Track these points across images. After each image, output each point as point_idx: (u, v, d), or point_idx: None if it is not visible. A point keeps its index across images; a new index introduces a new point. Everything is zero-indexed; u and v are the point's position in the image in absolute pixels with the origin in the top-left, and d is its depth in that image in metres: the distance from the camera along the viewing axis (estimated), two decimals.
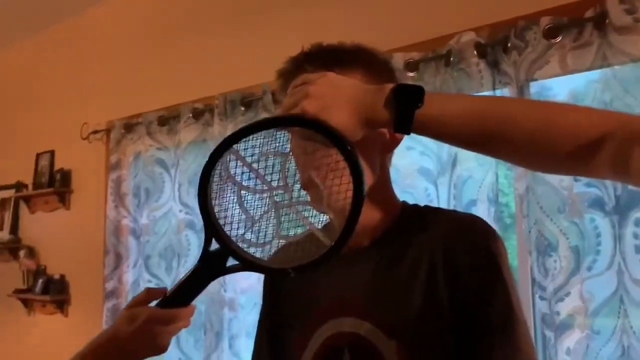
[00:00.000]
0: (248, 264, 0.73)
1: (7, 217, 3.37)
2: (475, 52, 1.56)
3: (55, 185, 3.03)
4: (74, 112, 3.01)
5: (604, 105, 1.40)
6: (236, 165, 0.73)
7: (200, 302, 2.24)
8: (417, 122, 0.67)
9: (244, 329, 2.10)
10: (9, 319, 3.30)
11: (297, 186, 0.74)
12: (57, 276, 2.99)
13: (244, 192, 0.74)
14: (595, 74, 1.43)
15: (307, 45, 0.87)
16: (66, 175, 3.02)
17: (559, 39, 1.45)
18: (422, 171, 1.68)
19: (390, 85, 0.69)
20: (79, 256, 2.91)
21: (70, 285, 2.98)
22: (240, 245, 0.74)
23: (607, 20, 1.37)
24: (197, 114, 2.28)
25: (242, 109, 2.14)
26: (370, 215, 0.81)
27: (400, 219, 0.84)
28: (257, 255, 0.74)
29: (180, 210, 2.31)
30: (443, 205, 1.59)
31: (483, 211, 1.52)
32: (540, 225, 1.45)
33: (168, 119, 2.40)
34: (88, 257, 2.80)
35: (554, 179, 1.45)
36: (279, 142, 0.73)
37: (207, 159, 0.72)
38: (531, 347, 0.75)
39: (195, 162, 2.32)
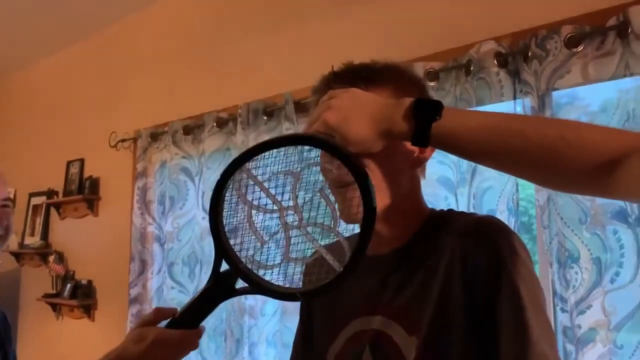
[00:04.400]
0: (257, 286, 0.73)
1: (38, 223, 3.46)
2: (495, 62, 1.55)
3: (84, 192, 3.11)
4: (103, 121, 3.09)
5: (627, 114, 1.37)
6: (247, 184, 0.73)
7: (221, 309, 2.26)
8: (434, 135, 0.69)
9: (264, 336, 2.11)
10: (38, 323, 3.38)
11: (308, 206, 0.74)
12: (84, 281, 3.05)
13: (255, 211, 0.74)
14: (626, 82, 1.41)
15: (338, 64, 0.89)
16: (95, 183, 3.10)
17: (580, 47, 1.43)
18: (442, 180, 1.67)
19: (409, 99, 0.71)
20: (105, 262, 2.97)
21: (97, 290, 3.04)
22: (249, 267, 0.73)
23: (629, 29, 1.35)
24: (221, 123, 2.32)
25: (265, 118, 2.17)
26: (397, 223, 0.85)
27: (426, 225, 0.86)
28: (267, 278, 0.73)
29: (204, 218, 2.34)
30: None
31: (503, 221, 1.50)
32: (561, 236, 1.43)
33: (193, 128, 2.44)
34: (114, 263, 2.86)
35: None
36: (291, 161, 0.73)
37: (219, 177, 0.72)
38: (546, 341, 0.73)
39: (218, 171, 2.35)
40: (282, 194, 0.74)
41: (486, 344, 0.75)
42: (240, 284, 0.74)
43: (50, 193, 3.39)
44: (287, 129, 2.07)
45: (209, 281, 0.74)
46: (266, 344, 2.10)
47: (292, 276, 0.75)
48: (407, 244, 0.86)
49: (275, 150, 0.72)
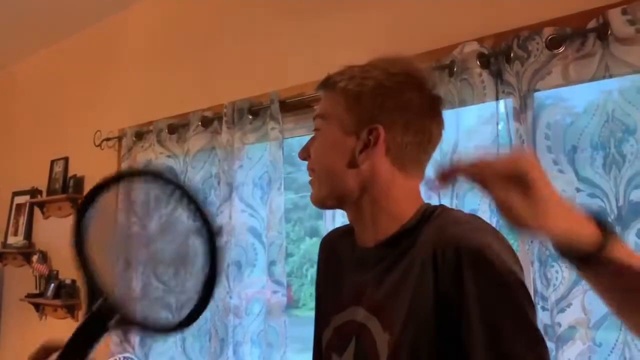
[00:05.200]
0: (124, 321, 0.71)
1: (22, 222, 3.43)
2: (478, 63, 1.56)
3: (68, 191, 3.08)
4: (87, 119, 3.07)
5: (606, 115, 1.39)
6: (103, 214, 0.72)
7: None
8: (603, 255, 0.63)
9: (248, 335, 2.11)
10: (21, 323, 3.35)
11: (160, 244, 0.72)
12: (68, 281, 3.03)
13: (117, 242, 0.73)
14: (608, 83, 1.42)
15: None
16: (79, 182, 3.08)
17: (561, 49, 1.45)
18: (425, 181, 1.68)
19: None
20: None
21: (81, 290, 3.02)
22: (117, 300, 0.71)
23: (609, 32, 1.37)
24: (206, 122, 2.31)
25: (250, 117, 2.17)
26: (377, 220, 0.88)
27: (414, 220, 0.86)
28: (142, 313, 0.72)
29: (188, 217, 2.33)
30: None
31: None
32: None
33: (177, 127, 2.44)
34: (98, 262, 2.83)
35: (557, 188, 1.44)
36: (154, 195, 0.72)
37: (78, 209, 0.71)
38: (518, 347, 0.72)
39: (203, 170, 2.35)
40: (142, 225, 0.73)
41: (453, 351, 0.74)
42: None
43: (34, 192, 3.36)
44: (272, 128, 2.07)
45: (84, 316, 0.72)
46: (251, 343, 2.10)
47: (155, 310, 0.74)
48: (391, 237, 0.87)
49: (140, 180, 0.71)
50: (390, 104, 0.86)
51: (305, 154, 0.94)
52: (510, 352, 0.71)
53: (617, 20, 1.35)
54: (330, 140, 0.89)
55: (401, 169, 0.88)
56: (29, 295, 3.22)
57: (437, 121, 0.91)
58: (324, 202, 0.92)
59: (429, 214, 0.87)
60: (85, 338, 0.71)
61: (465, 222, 0.82)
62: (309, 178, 0.94)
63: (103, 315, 0.71)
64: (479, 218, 0.87)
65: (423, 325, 0.77)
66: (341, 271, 0.96)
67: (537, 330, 0.73)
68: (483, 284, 0.73)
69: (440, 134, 0.92)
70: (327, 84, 0.92)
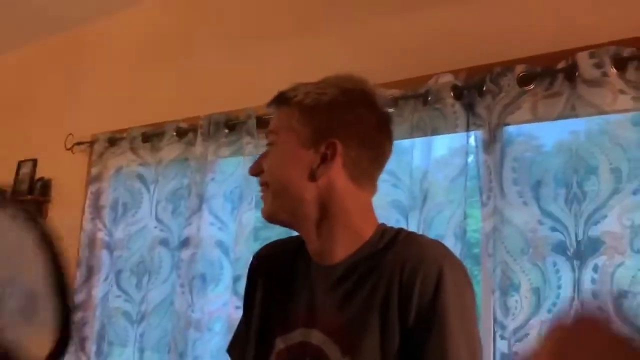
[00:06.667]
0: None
1: None
2: (451, 94, 1.61)
3: (34, 193, 3.02)
4: (59, 122, 3.02)
5: (569, 153, 1.45)
6: None
7: (166, 321, 2.23)
8: None
9: (208, 351, 2.08)
10: None
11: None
12: None
13: None
14: (576, 124, 1.47)
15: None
16: (46, 185, 3.02)
17: (531, 86, 1.51)
18: (394, 204, 1.71)
19: None
20: None
21: None
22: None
23: (577, 73, 1.43)
24: (181, 133, 2.31)
25: (226, 131, 2.18)
26: (336, 236, 0.88)
27: (374, 239, 0.88)
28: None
29: (155, 227, 2.31)
30: None
31: (450, 247, 1.54)
32: (504, 265, 1.48)
33: (152, 136, 2.42)
34: None
35: (520, 220, 1.49)
36: None
37: None
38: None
39: (175, 180, 2.33)
40: None
41: None
42: None
43: None
44: (247, 143, 2.08)
45: None
46: (210, 359, 2.08)
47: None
48: (353, 256, 0.87)
49: None
50: (346, 119, 0.89)
51: (257, 169, 0.92)
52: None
53: (585, 63, 1.41)
54: (287, 153, 0.89)
55: (356, 183, 0.89)
56: None
57: (389, 137, 0.94)
58: (276, 215, 0.91)
59: (392, 237, 0.88)
60: None
61: (433, 252, 0.85)
62: (261, 192, 0.92)
63: None
64: (441, 243, 0.90)
65: (387, 347, 0.78)
66: (290, 290, 0.93)
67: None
68: (451, 308, 0.78)
69: (391, 150, 0.95)
70: (281, 99, 0.92)
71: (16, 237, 0.72)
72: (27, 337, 0.68)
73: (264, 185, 0.92)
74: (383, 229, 0.91)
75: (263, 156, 0.93)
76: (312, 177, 0.87)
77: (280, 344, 0.89)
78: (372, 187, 0.93)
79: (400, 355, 0.78)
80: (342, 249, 0.88)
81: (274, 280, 0.97)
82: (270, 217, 0.91)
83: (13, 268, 0.72)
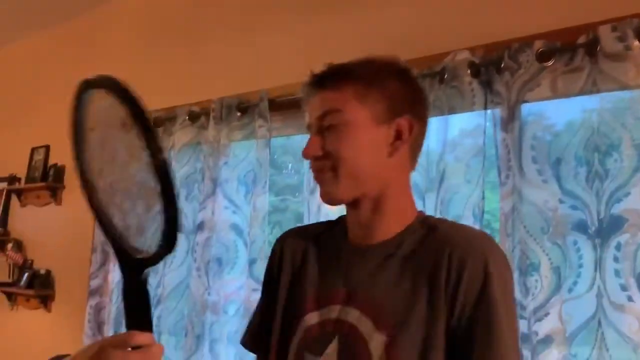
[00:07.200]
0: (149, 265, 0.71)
1: None
2: (468, 71, 1.58)
3: (48, 180, 3.03)
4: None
5: (591, 130, 1.42)
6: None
7: (183, 304, 2.24)
8: None
9: (225, 333, 2.09)
10: None
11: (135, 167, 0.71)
12: (43, 271, 2.98)
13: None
14: (591, 101, 1.44)
15: (317, 65, 0.91)
16: (60, 171, 3.03)
17: (551, 62, 1.47)
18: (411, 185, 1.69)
19: None
20: (66, 252, 2.90)
21: (55, 280, 2.97)
22: (137, 248, 0.71)
23: (598, 47, 1.39)
24: (193, 117, 2.30)
25: (238, 114, 2.16)
26: (388, 216, 0.87)
27: (413, 226, 0.87)
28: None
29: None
30: None
31: None
32: (524, 245, 1.46)
33: (164, 120, 2.41)
34: (75, 253, 2.79)
35: (540, 199, 1.46)
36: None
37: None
38: (514, 351, 0.77)
39: (188, 164, 2.33)
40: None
41: (453, 351, 0.78)
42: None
43: (12, 179, 3.30)
44: (260, 126, 2.07)
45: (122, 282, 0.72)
46: (227, 341, 2.09)
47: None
48: (396, 237, 0.87)
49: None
50: (414, 96, 0.88)
51: (318, 151, 0.86)
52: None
53: (607, 37, 1.38)
54: (360, 131, 0.84)
55: (412, 162, 0.90)
56: (1, 284, 3.15)
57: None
58: (345, 197, 0.86)
59: (434, 223, 0.89)
60: (129, 300, 0.72)
61: (481, 238, 0.86)
62: (319, 176, 0.87)
63: (136, 271, 0.71)
64: (486, 233, 0.93)
65: (433, 331, 0.78)
66: (321, 269, 0.92)
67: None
68: (500, 292, 0.79)
69: None
70: (341, 74, 0.85)
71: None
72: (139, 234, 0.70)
73: (325, 168, 0.86)
74: (425, 215, 0.91)
75: (323, 138, 0.86)
76: (388, 154, 0.85)
77: (311, 320, 0.88)
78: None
79: (445, 339, 0.78)
80: (388, 229, 0.87)
81: (301, 262, 0.96)
82: (338, 200, 0.87)
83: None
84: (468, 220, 1.54)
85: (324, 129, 0.86)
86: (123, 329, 2.44)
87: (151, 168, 0.65)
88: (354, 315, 0.84)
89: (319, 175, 0.87)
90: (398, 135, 0.85)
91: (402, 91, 0.87)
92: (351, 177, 0.85)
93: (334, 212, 1.06)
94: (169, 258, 2.29)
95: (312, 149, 0.86)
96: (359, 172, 0.85)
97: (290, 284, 0.96)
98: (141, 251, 0.70)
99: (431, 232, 0.85)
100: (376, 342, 0.80)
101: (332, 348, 0.84)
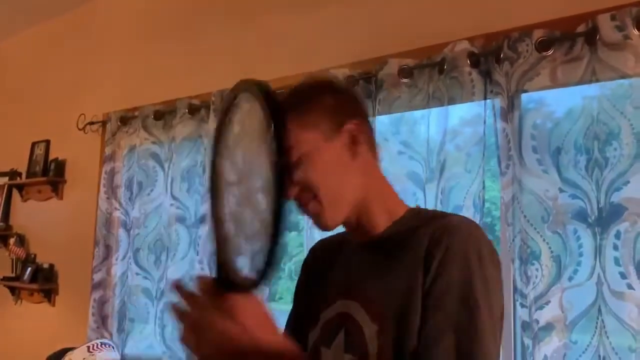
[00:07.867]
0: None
1: (0, 204, 3.37)
2: (468, 61, 1.58)
3: (49, 174, 3.04)
4: (71, 102, 3.02)
5: (591, 119, 1.42)
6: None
7: None
8: None
9: None
10: None
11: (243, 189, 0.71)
12: (46, 265, 2.99)
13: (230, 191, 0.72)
14: (591, 89, 1.45)
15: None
16: (60, 165, 3.04)
17: (550, 52, 1.48)
18: (411, 175, 1.70)
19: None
20: (69, 246, 2.92)
21: (59, 274, 2.98)
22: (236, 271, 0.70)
23: (597, 36, 1.39)
24: (193, 110, 2.30)
25: None
26: (372, 218, 0.90)
27: (403, 219, 0.90)
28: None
29: (172, 205, 2.32)
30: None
31: (469, 217, 1.54)
32: (524, 234, 1.47)
33: (164, 114, 2.42)
34: (78, 247, 2.81)
35: (540, 188, 1.47)
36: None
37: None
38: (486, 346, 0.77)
39: (188, 158, 2.33)
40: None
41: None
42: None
43: (13, 174, 3.31)
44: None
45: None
46: None
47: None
48: (385, 232, 0.90)
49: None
50: (350, 100, 0.93)
51: (297, 191, 0.86)
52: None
53: (606, 26, 1.38)
54: (322, 156, 0.86)
55: (375, 157, 0.92)
56: (4, 279, 3.17)
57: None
58: (336, 220, 0.89)
59: (421, 213, 0.92)
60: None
61: (458, 222, 0.85)
62: (306, 209, 0.88)
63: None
64: (471, 220, 0.91)
65: (412, 316, 0.80)
66: (331, 267, 0.97)
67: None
68: (469, 272, 0.79)
69: None
70: (280, 114, 0.80)
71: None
72: (243, 257, 0.69)
73: (308, 199, 0.87)
74: (418, 209, 0.94)
75: (294, 177, 0.86)
76: (353, 158, 0.87)
77: (325, 316, 0.93)
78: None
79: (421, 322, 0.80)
80: (377, 225, 0.90)
81: (321, 266, 1.01)
82: (333, 224, 0.89)
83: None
84: (469, 210, 1.55)
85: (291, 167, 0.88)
86: (127, 322, 2.45)
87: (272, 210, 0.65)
88: (354, 308, 0.88)
89: (305, 208, 0.88)
90: (353, 140, 0.88)
91: (337, 101, 0.89)
92: (333, 198, 0.87)
93: None
94: (172, 251, 2.31)
95: (291, 190, 0.86)
96: (337, 190, 0.87)
97: (310, 288, 1.02)
98: (238, 273, 0.70)
99: (420, 223, 0.87)
100: (370, 331, 0.83)
101: (340, 339, 0.88)
